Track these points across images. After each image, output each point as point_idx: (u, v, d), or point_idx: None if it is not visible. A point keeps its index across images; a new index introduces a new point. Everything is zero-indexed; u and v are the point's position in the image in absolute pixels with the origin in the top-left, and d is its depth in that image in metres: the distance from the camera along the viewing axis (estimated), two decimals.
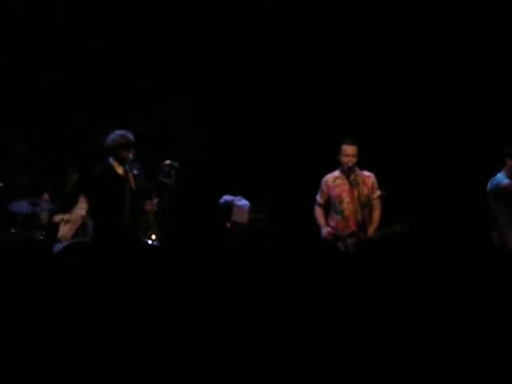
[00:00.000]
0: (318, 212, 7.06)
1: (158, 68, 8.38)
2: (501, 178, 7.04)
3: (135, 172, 6.59)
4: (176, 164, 6.57)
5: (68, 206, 7.26)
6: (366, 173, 6.94)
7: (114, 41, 8.25)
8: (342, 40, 8.36)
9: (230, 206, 7.32)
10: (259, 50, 8.46)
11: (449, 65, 8.21)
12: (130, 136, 6.57)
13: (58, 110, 8.16)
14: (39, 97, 8.17)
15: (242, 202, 7.33)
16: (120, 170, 6.57)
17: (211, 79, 8.44)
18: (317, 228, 7.00)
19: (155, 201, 6.56)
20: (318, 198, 7.08)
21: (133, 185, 6.59)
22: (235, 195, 7.38)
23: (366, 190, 6.84)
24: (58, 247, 6.87)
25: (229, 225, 7.23)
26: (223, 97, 8.42)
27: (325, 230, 6.90)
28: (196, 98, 8.43)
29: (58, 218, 7.12)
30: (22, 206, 6.97)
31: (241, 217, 7.28)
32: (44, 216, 7.24)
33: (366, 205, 6.78)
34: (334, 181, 7.02)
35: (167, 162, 6.59)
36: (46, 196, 7.29)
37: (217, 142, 8.28)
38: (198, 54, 8.48)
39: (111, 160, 6.57)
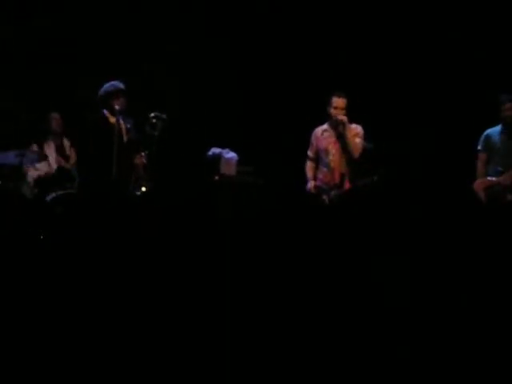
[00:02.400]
0: (308, 165, 7.08)
1: (145, 22, 8.32)
2: (491, 132, 7.07)
3: (128, 125, 6.66)
4: (162, 115, 6.57)
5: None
6: (353, 125, 6.94)
7: None
8: None
9: (217, 158, 7.30)
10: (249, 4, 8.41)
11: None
12: (121, 85, 6.61)
13: (44, 62, 8.10)
14: (25, 49, 8.10)
15: (230, 155, 7.31)
16: (113, 121, 6.60)
17: (198, 33, 8.39)
18: (304, 181, 7.04)
19: (144, 153, 6.57)
20: (309, 151, 7.10)
21: (124, 137, 6.63)
22: (223, 148, 7.36)
23: (353, 141, 6.85)
24: (47, 198, 6.91)
25: (217, 177, 7.23)
26: (211, 49, 8.37)
27: (309, 184, 6.94)
28: (183, 52, 8.37)
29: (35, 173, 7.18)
30: (9, 158, 6.95)
31: (229, 169, 7.27)
32: (32, 171, 7.25)
33: (351, 156, 6.83)
34: (322, 133, 7.03)
35: (153, 113, 6.58)
36: (34, 147, 7.28)
37: (204, 96, 8.24)
38: (186, 7, 8.42)
39: (105, 111, 6.60)
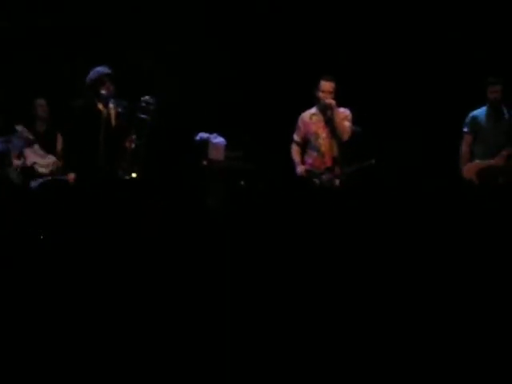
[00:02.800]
0: (295, 150, 7.07)
1: (133, 10, 8.26)
2: (476, 114, 7.10)
3: (119, 109, 6.62)
4: (153, 100, 6.55)
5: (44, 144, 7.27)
6: (342, 109, 6.94)
7: None
8: None
9: (205, 143, 7.28)
10: None
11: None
12: (106, 70, 6.58)
13: (30, 48, 8.04)
14: (11, 36, 8.02)
15: (218, 140, 7.29)
16: (101, 106, 6.58)
17: (187, 21, 8.34)
18: (292, 166, 7.04)
19: (133, 137, 6.55)
20: (295, 135, 7.09)
21: (113, 122, 6.61)
22: (211, 132, 7.33)
23: (342, 125, 6.85)
24: (33, 184, 6.86)
25: (205, 162, 7.21)
26: (199, 36, 8.33)
27: (299, 168, 6.94)
28: (171, 39, 8.33)
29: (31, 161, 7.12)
30: None
31: (217, 154, 7.25)
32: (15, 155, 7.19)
33: (343, 139, 6.83)
34: (310, 117, 7.02)
35: (145, 97, 6.55)
36: (20, 127, 7.20)
37: (192, 81, 8.20)
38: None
39: (94, 96, 6.56)
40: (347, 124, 6.88)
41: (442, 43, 8.04)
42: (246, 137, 7.45)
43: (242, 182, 7.05)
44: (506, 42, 7.80)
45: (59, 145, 7.43)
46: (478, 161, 7.00)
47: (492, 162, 6.93)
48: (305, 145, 7.04)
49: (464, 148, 7.10)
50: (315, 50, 8.15)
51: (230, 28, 8.32)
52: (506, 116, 7.02)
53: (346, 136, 6.85)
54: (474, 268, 4.58)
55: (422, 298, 4.38)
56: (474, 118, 7.09)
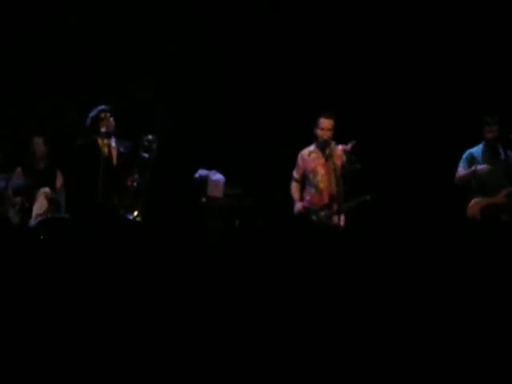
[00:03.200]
0: (294, 187, 7.09)
1: (132, 48, 8.33)
2: (473, 151, 7.11)
3: (121, 149, 6.71)
4: (155, 138, 6.62)
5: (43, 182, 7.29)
6: (341, 146, 6.95)
7: (89, 17, 8.19)
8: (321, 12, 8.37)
9: (205, 180, 7.29)
10: (234, 26, 8.43)
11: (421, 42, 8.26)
12: (104, 107, 6.68)
13: (32, 87, 8.10)
14: (13, 73, 8.08)
15: (217, 176, 7.30)
16: (102, 144, 6.66)
17: (185, 58, 8.41)
18: (292, 203, 7.04)
19: (136, 177, 6.63)
20: (294, 173, 7.11)
21: (114, 160, 6.69)
22: (210, 169, 7.35)
23: (339, 163, 6.87)
24: (31, 223, 6.86)
25: (204, 199, 7.21)
26: (197, 73, 8.39)
27: (298, 205, 6.95)
28: (170, 77, 8.39)
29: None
30: None
31: (216, 191, 7.26)
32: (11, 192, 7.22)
33: (340, 178, 6.83)
34: (309, 155, 7.04)
35: (148, 136, 6.62)
36: (19, 169, 7.25)
37: (191, 118, 8.24)
38: (173, 32, 8.43)
39: (95, 135, 6.64)
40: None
41: (435, 77, 8.11)
42: (242, 177, 7.48)
43: (237, 222, 7.05)
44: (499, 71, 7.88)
45: (59, 182, 7.46)
46: (479, 199, 7.00)
47: (494, 200, 6.94)
48: (304, 182, 7.05)
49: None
50: (314, 86, 8.20)
51: (232, 62, 8.37)
52: (502, 156, 7.05)
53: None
54: (476, 306, 4.56)
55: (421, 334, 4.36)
56: (472, 156, 7.10)
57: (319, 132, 6.87)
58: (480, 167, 6.97)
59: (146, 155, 6.59)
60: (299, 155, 7.09)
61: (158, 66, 8.31)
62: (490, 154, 7.06)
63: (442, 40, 8.12)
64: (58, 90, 8.11)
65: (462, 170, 7.10)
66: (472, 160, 7.09)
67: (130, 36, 8.29)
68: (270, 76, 8.37)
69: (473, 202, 7.00)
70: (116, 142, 6.72)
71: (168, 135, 7.45)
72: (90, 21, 8.20)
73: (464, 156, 7.14)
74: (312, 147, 7.03)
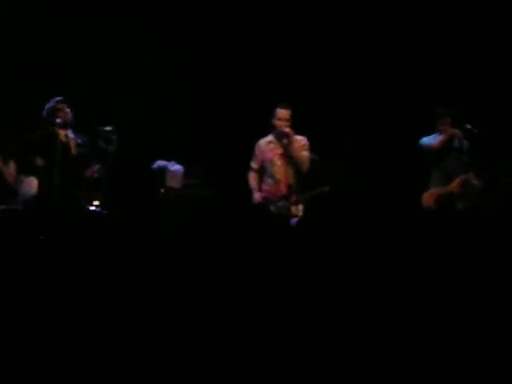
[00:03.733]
0: (252, 177, 7.11)
1: (96, 40, 8.28)
2: (432, 139, 7.18)
3: (79, 140, 6.76)
4: (114, 129, 6.66)
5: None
6: (299, 137, 6.98)
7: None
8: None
9: (163, 171, 7.27)
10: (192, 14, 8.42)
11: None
12: (58, 99, 6.72)
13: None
14: None
15: (176, 167, 7.29)
16: (62, 136, 6.66)
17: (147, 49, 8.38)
18: (250, 193, 7.06)
19: (96, 167, 6.68)
20: (252, 163, 7.13)
21: (73, 151, 6.72)
22: (169, 160, 7.33)
23: (298, 154, 6.90)
24: None
25: (163, 190, 7.19)
26: (155, 58, 8.35)
27: (256, 195, 6.98)
28: (127, 63, 8.34)
29: None
30: None
31: (174, 182, 7.25)
32: None
33: (297, 168, 6.87)
34: (266, 145, 7.07)
35: (108, 128, 6.66)
36: None
37: (150, 108, 8.22)
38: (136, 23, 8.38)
39: (51, 125, 6.65)
40: (305, 154, 6.93)
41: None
42: (200, 167, 7.47)
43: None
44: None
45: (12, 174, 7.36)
46: (434, 188, 7.08)
47: (448, 188, 7.02)
48: (261, 172, 7.07)
49: None
50: (273, 77, 8.21)
51: (189, 57, 8.36)
52: (456, 144, 7.12)
53: (305, 167, 6.89)
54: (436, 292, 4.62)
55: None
56: (427, 145, 7.16)
57: (276, 122, 6.90)
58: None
59: (105, 146, 6.63)
60: (256, 145, 7.12)
61: (112, 56, 8.27)
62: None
63: (392, 30, 8.18)
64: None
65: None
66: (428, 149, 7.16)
67: (97, 28, 8.24)
68: (226, 68, 8.37)
69: (426, 193, 7.08)
70: (73, 133, 6.75)
71: (128, 127, 7.43)
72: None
73: (425, 139, 7.19)
74: (269, 137, 7.06)
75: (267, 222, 6.45)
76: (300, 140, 6.96)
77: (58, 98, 6.72)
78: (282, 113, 6.88)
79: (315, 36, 8.34)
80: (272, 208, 6.81)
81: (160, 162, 7.32)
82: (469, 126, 6.98)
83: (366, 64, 8.23)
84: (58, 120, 6.62)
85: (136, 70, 8.25)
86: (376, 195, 7.51)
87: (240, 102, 8.24)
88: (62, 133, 6.68)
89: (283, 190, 6.89)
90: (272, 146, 7.03)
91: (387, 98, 8.14)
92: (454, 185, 7.01)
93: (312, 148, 7.00)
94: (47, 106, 6.73)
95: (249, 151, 7.19)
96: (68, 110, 6.69)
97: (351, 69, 8.23)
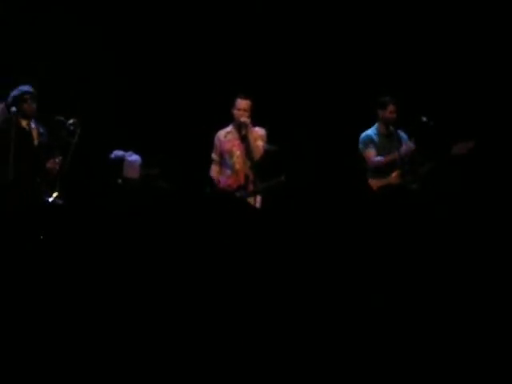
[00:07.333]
0: (213, 169, 7.09)
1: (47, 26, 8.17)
2: (371, 133, 7.18)
3: (41, 130, 6.76)
4: (77, 121, 6.68)
5: None
6: (257, 128, 6.99)
7: None
8: None
9: (120, 161, 7.19)
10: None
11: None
12: (27, 88, 6.65)
13: None
14: None
15: (134, 157, 7.21)
16: (24, 124, 6.68)
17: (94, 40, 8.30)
18: (207, 184, 7.04)
19: (58, 159, 6.65)
20: (213, 154, 7.11)
21: (35, 141, 6.74)
22: (126, 150, 7.25)
23: (257, 144, 6.90)
24: None
25: (120, 180, 7.11)
26: (116, 51, 8.29)
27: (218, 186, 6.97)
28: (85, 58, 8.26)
29: None
30: None
31: (132, 172, 7.17)
32: None
33: (256, 159, 6.86)
34: (225, 136, 7.05)
35: (72, 120, 6.68)
36: None
37: (107, 98, 8.14)
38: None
39: (16, 114, 6.60)
40: (260, 144, 6.94)
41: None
42: (161, 155, 7.41)
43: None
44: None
45: None
46: (372, 180, 7.10)
47: (388, 180, 7.05)
48: (222, 163, 7.05)
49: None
50: (233, 66, 8.19)
51: (146, 46, 8.30)
52: (395, 135, 7.13)
53: (257, 156, 6.89)
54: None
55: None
56: (371, 139, 7.15)
57: (236, 112, 6.89)
58: (403, 149, 7.03)
59: (69, 138, 6.67)
60: (216, 136, 7.10)
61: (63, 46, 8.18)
62: (385, 134, 7.15)
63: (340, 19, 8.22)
64: None
65: (374, 154, 7.12)
66: (372, 142, 7.16)
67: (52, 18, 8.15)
68: (187, 57, 8.33)
69: (368, 183, 7.11)
70: (35, 123, 6.75)
71: (85, 115, 7.34)
72: None
73: (364, 139, 7.16)
74: (229, 128, 7.04)
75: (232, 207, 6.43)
76: (257, 130, 6.96)
77: (26, 88, 6.64)
78: (242, 103, 6.86)
79: (271, 25, 8.34)
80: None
81: (117, 152, 7.22)
82: (425, 119, 7.00)
83: (317, 52, 8.24)
84: (23, 110, 6.55)
85: (91, 58, 8.17)
86: (326, 183, 7.53)
87: (202, 90, 8.20)
88: (23, 122, 6.68)
89: (241, 180, 6.88)
90: (230, 136, 7.01)
91: (337, 87, 8.16)
92: (393, 177, 7.03)
93: (271, 139, 7.01)
94: (13, 93, 6.64)
95: (209, 141, 7.16)
96: (33, 104, 6.62)
97: (304, 57, 8.24)
